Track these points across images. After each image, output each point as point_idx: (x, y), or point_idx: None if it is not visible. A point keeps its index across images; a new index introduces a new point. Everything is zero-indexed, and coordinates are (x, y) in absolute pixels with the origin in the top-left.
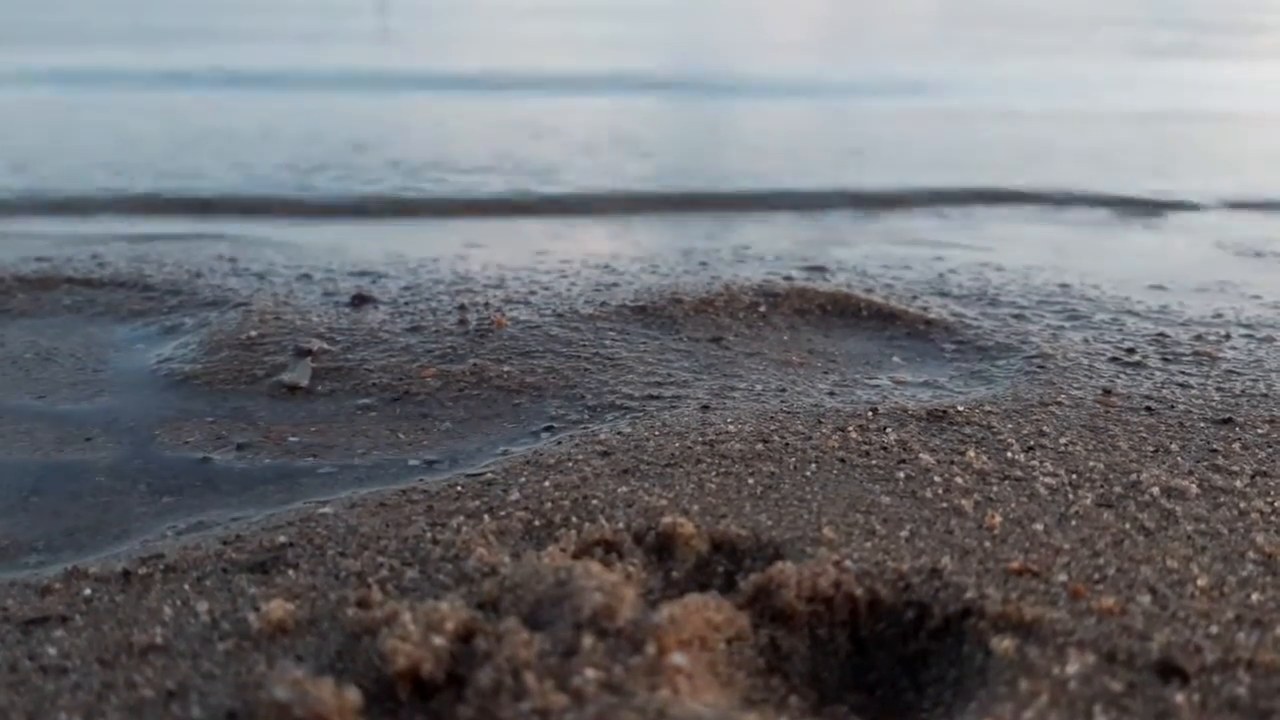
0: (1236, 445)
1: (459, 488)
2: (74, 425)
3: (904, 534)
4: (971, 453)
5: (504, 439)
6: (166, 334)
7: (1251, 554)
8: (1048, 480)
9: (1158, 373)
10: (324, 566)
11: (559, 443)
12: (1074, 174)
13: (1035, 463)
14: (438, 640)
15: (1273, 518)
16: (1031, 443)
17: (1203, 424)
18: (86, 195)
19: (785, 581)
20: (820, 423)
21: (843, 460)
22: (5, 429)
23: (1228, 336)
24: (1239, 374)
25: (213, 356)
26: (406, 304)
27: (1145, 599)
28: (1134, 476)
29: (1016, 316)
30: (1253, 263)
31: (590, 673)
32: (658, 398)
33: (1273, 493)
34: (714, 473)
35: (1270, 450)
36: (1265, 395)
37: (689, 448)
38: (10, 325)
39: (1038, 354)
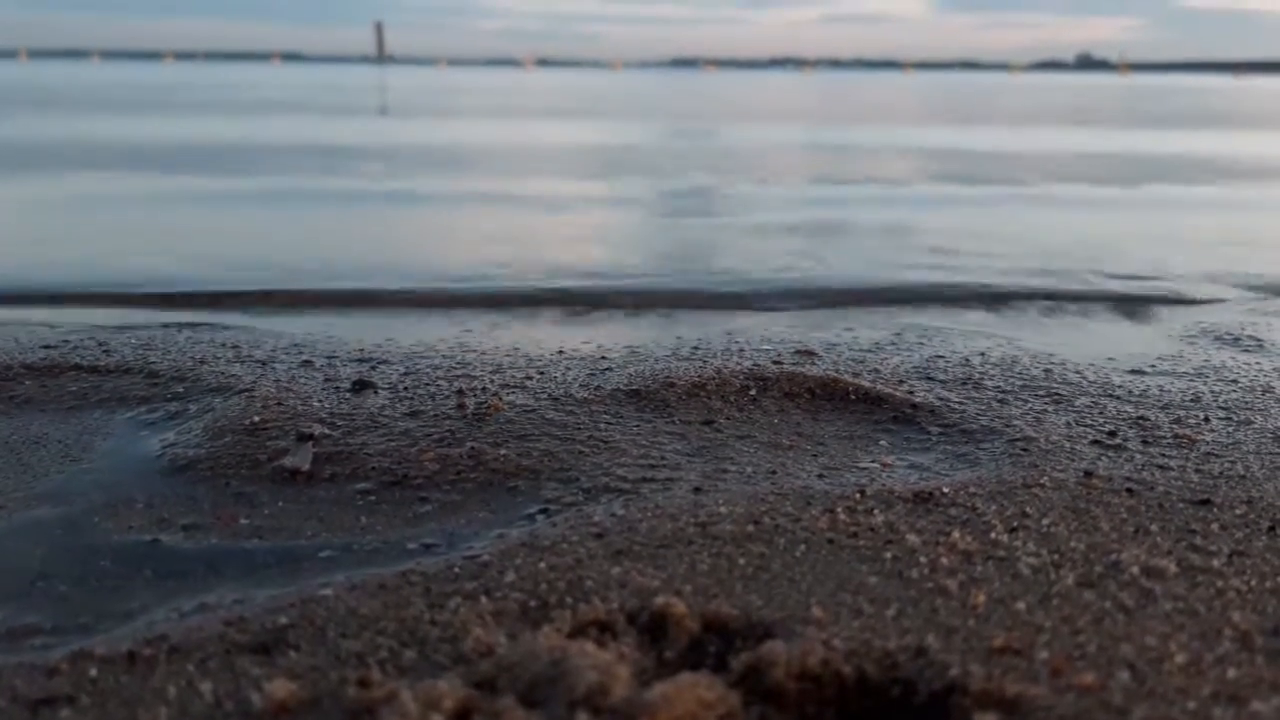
0: (1215, 526)
1: (456, 569)
2: (76, 509)
3: (890, 613)
4: (956, 533)
5: (500, 521)
6: (171, 419)
7: (1228, 631)
8: (1030, 560)
9: (1138, 455)
10: (325, 647)
11: (554, 525)
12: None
13: (1018, 543)
14: (436, 719)
15: (1249, 596)
16: (1015, 524)
17: (1182, 505)
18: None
19: (775, 660)
20: (809, 504)
21: (831, 541)
22: (11, 515)
23: (1207, 420)
24: (1217, 456)
25: (216, 442)
26: (406, 389)
27: (1124, 676)
28: (1114, 556)
29: (1000, 400)
30: (1230, 349)
31: None
32: (651, 480)
33: (1249, 572)
34: (706, 554)
35: (1247, 530)
36: (1243, 477)
37: (681, 529)
38: (16, 412)
39: (1021, 437)
